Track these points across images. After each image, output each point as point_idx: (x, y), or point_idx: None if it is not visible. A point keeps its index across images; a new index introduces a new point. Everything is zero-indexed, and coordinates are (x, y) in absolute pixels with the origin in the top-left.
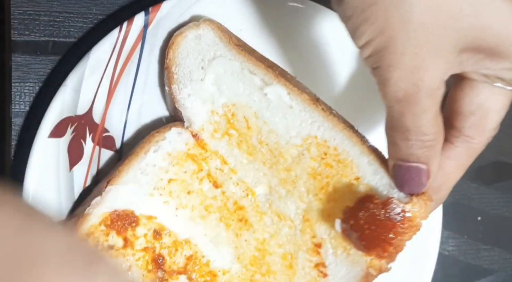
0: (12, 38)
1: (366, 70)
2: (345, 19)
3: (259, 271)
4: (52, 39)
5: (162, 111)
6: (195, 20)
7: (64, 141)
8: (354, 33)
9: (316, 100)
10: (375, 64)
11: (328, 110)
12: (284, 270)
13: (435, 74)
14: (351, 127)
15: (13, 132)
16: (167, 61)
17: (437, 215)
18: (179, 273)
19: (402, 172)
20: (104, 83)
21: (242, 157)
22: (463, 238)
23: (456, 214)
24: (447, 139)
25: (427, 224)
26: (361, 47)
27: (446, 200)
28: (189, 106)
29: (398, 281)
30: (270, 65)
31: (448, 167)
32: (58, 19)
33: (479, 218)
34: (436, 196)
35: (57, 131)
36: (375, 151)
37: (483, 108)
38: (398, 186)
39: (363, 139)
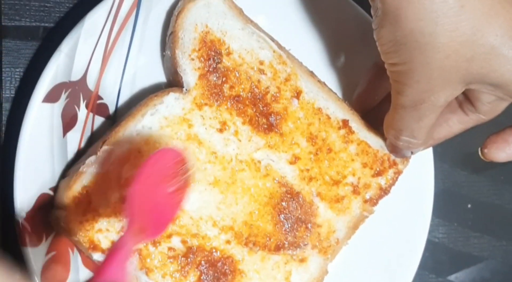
0: (3, 23)
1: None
2: (379, 43)
3: (252, 233)
4: (42, 24)
5: (156, 79)
6: None
7: (58, 106)
8: (384, 55)
9: (311, 73)
10: (395, 78)
11: (322, 82)
12: (277, 230)
13: (441, 96)
14: (341, 99)
15: (3, 118)
16: (175, 25)
17: (427, 201)
18: (170, 236)
19: (391, 148)
20: (98, 50)
21: (242, 124)
22: (453, 225)
23: (446, 201)
24: (462, 109)
25: (417, 214)
26: (387, 65)
27: (436, 187)
28: (190, 71)
29: (387, 264)
30: (273, 39)
31: (455, 128)
32: (48, 5)
33: (469, 206)
34: (436, 142)
35: (51, 96)
36: (361, 119)
37: (499, 100)
38: (389, 151)
39: (352, 110)
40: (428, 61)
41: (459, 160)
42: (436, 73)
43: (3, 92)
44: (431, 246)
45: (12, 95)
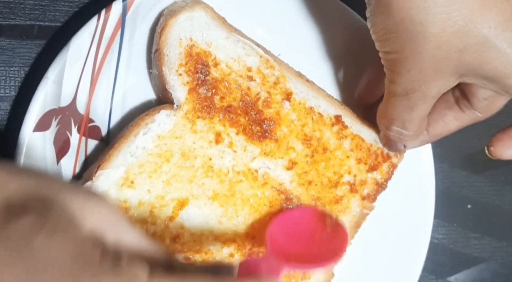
0: None
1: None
2: (372, 31)
3: (255, 244)
4: (37, 23)
5: (146, 97)
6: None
7: (49, 134)
8: (377, 42)
9: (299, 73)
10: (388, 66)
11: (311, 81)
12: None
13: (433, 86)
14: (331, 96)
15: None
16: (159, 42)
17: (429, 205)
18: (172, 254)
19: (384, 140)
20: (86, 73)
21: (236, 134)
22: (453, 226)
23: (446, 202)
24: (459, 106)
25: (419, 214)
26: (380, 53)
27: (436, 188)
28: (179, 87)
29: (390, 270)
30: (258, 45)
31: (451, 125)
32: (43, 3)
33: (469, 206)
34: (432, 139)
35: (42, 125)
36: (353, 113)
37: (495, 97)
38: (382, 144)
39: (343, 105)
40: (419, 51)
41: (458, 160)
42: (428, 63)
43: None
44: (431, 247)
45: (7, 94)
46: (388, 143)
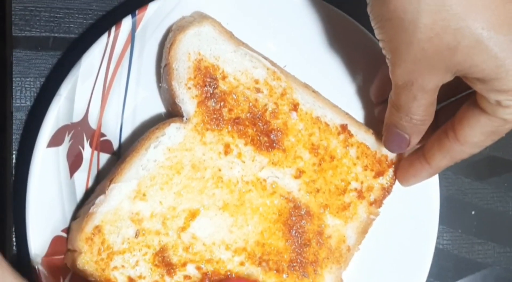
0: (13, 34)
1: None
2: (370, 18)
3: (265, 251)
4: (52, 35)
5: (156, 110)
6: (186, 15)
7: (62, 149)
8: (375, 30)
9: (306, 84)
10: (386, 54)
11: (317, 92)
12: (289, 246)
13: (429, 80)
14: (336, 106)
15: (14, 127)
16: (169, 57)
17: (434, 211)
18: (184, 264)
19: (389, 133)
20: (97, 89)
21: (244, 145)
22: (457, 232)
23: (451, 208)
24: (445, 136)
25: (424, 220)
26: (379, 42)
27: (440, 194)
28: (189, 100)
29: (396, 275)
30: (265, 57)
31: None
32: (58, 15)
33: (473, 213)
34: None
35: (55, 141)
36: (358, 122)
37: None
38: (384, 142)
39: (348, 115)
40: (410, 40)
41: (462, 167)
42: (420, 54)
43: (14, 101)
44: (435, 252)
45: (22, 104)
46: (390, 137)
